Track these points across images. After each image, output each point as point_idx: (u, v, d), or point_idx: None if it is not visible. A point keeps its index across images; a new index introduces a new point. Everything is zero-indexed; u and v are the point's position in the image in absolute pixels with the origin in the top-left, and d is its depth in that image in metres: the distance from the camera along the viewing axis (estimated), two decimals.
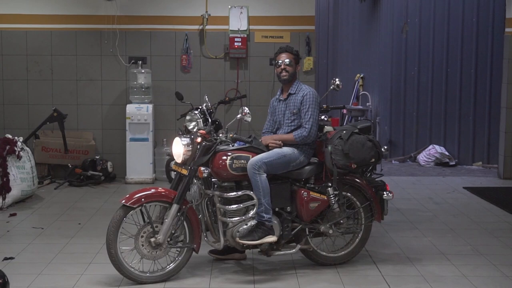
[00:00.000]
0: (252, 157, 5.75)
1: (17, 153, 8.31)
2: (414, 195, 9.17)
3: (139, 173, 9.89)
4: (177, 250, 5.76)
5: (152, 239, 5.58)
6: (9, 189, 8.15)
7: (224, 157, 5.71)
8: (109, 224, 5.58)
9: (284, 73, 6.08)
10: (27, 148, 8.69)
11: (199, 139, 5.74)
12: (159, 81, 10.15)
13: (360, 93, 12.89)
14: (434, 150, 11.79)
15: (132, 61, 10.17)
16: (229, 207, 5.71)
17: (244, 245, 5.78)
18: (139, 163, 9.86)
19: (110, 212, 7.79)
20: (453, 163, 11.76)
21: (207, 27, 10.17)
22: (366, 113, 12.19)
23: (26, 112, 10.25)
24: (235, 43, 10.11)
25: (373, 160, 6.01)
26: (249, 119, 6.09)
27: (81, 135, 10.27)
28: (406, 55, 12.22)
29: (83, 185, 9.65)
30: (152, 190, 5.72)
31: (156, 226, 5.60)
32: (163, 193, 5.68)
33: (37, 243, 6.76)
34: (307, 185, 5.99)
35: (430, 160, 11.74)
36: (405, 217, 7.90)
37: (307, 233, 5.97)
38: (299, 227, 5.93)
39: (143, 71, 9.97)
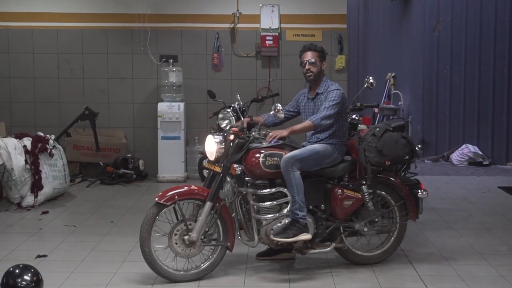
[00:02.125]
0: (285, 154, 5.71)
1: (49, 151, 8.36)
2: (448, 194, 9.07)
3: (171, 172, 9.90)
4: (211, 249, 5.73)
5: (186, 237, 5.56)
6: (41, 187, 8.20)
7: (257, 155, 5.67)
8: (142, 222, 5.57)
9: (309, 73, 6.02)
10: (59, 146, 8.75)
11: (231, 137, 5.73)
12: (190, 79, 10.15)
13: (392, 92, 12.85)
14: (468, 150, 11.73)
15: (163, 59, 10.21)
16: (263, 204, 5.67)
17: (278, 243, 5.73)
18: (171, 162, 9.89)
19: (142, 210, 7.87)
20: (487, 162, 11.69)
21: (238, 25, 10.19)
22: (398, 112, 12.17)
23: (58, 110, 10.34)
24: (267, 42, 10.12)
25: (407, 157, 5.96)
26: (282, 115, 6.02)
27: (113, 133, 10.34)
28: (438, 54, 12.18)
29: (114, 183, 9.71)
30: (185, 188, 5.72)
31: (190, 224, 5.57)
32: (196, 191, 5.66)
33: (70, 241, 6.78)
34: (341, 183, 5.94)
35: (463, 159, 11.67)
36: (440, 217, 7.81)
37: (342, 231, 5.93)
38: (333, 226, 5.88)
39: (174, 69, 10.00)
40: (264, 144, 5.79)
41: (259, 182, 5.77)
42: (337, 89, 5.91)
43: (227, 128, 7.32)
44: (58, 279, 5.61)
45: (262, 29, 10.12)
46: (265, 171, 5.68)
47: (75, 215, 7.91)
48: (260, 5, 10.11)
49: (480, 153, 11.72)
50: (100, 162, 9.91)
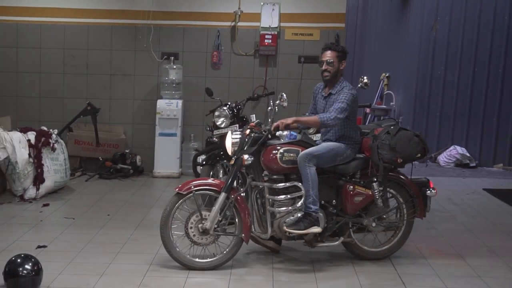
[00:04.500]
0: (302, 150, 5.88)
1: (51, 145, 8.44)
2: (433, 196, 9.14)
3: (166, 168, 9.98)
4: (230, 240, 5.93)
5: (200, 225, 5.80)
6: (42, 180, 8.29)
7: (275, 151, 5.87)
8: (163, 210, 5.85)
9: (325, 74, 6.08)
10: (61, 141, 8.78)
11: (247, 131, 5.96)
12: (189, 77, 10.20)
13: (385, 93, 12.72)
14: (455, 151, 11.73)
15: (165, 56, 10.24)
16: (277, 197, 5.87)
17: (290, 234, 5.90)
18: (166, 158, 9.96)
19: (138, 204, 8.12)
20: (474, 164, 11.68)
21: (239, 23, 10.19)
22: (389, 112, 12.01)
23: (61, 105, 10.40)
24: (265, 40, 10.09)
25: (419, 155, 6.08)
26: (285, 104, 6.23)
27: (113, 129, 10.39)
28: (434, 54, 12.09)
29: (112, 178, 9.77)
30: (204, 180, 6.03)
31: (206, 214, 5.81)
32: (213, 182, 5.92)
33: (69, 232, 6.93)
34: (353, 179, 6.09)
35: (450, 161, 11.68)
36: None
37: (350, 226, 6.10)
38: (343, 221, 6.04)
39: (174, 67, 10.05)
40: (282, 141, 6.00)
41: (275, 177, 5.96)
42: (350, 93, 5.96)
43: (223, 126, 7.57)
44: (57, 269, 5.76)
45: (262, 27, 10.07)
46: (282, 166, 5.87)
47: (74, 208, 8.01)
48: (262, 3, 10.07)
49: (468, 155, 11.71)
50: (100, 157, 9.96)
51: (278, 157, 5.85)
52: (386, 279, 5.82)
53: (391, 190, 6.19)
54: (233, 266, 6.01)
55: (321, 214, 5.92)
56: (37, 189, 8.29)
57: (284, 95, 6.27)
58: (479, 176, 10.90)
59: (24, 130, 8.48)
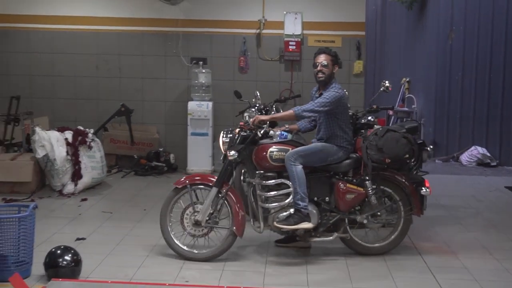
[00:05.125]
0: (292, 149, 5.82)
1: (88, 143, 8.46)
2: (457, 192, 8.99)
3: (199, 165, 9.93)
4: (227, 233, 5.85)
5: (193, 217, 5.79)
6: (80, 176, 8.29)
7: (265, 149, 5.84)
8: (162, 204, 5.88)
9: (320, 75, 6.00)
10: (97, 139, 8.83)
11: (237, 130, 5.94)
12: (218, 80, 10.18)
13: (406, 96, 12.74)
14: (476, 151, 11.58)
15: (194, 61, 10.23)
16: (267, 194, 5.81)
17: (282, 230, 5.84)
18: (199, 156, 9.93)
19: None
20: (494, 163, 11.52)
21: (264, 31, 10.19)
22: (411, 114, 12.04)
23: (96, 106, 10.43)
24: (290, 47, 10.13)
25: (407, 156, 5.89)
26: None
27: (146, 128, 10.41)
28: (451, 61, 12.01)
29: (147, 175, 9.76)
30: (198, 176, 6.04)
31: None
32: (206, 178, 5.95)
33: (106, 226, 6.88)
34: (345, 178, 5.97)
35: (472, 160, 11.53)
36: (449, 213, 7.78)
37: (347, 223, 5.96)
38: (337, 217, 5.92)
39: (203, 71, 10.03)
40: (274, 140, 5.93)
41: (268, 174, 5.88)
42: (335, 92, 5.89)
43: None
44: (95, 260, 5.69)
45: (285, 35, 10.11)
46: (272, 164, 5.83)
47: (111, 203, 8.00)
48: (284, 12, 10.10)
49: (488, 154, 11.55)
50: (135, 155, 9.98)
51: (268, 155, 5.82)
52: (416, 271, 5.65)
53: (386, 188, 6.05)
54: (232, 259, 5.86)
55: (313, 210, 5.84)
56: (76, 185, 8.30)
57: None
58: (500, 175, 10.73)
59: (61, 130, 8.52)
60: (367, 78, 11.55)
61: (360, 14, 10.29)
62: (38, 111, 9.84)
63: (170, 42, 10.31)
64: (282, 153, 5.80)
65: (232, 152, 5.75)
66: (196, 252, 5.83)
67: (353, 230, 6.03)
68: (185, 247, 5.84)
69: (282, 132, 6.05)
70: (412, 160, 6.03)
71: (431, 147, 7.82)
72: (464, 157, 11.67)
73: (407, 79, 12.81)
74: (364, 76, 10.59)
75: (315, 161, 5.87)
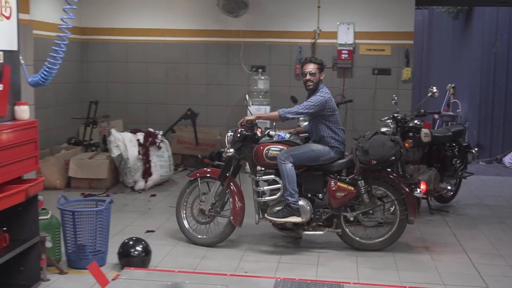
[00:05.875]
0: (287, 149, 5.85)
1: (157, 144, 8.51)
2: (501, 193, 8.74)
3: None
4: (226, 222, 6.00)
5: (199, 206, 6.03)
6: (150, 174, 8.37)
7: (262, 148, 5.88)
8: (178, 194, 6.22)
9: (309, 83, 5.97)
10: (166, 140, 8.87)
11: (239, 130, 6.00)
12: (276, 86, 10.13)
13: (451, 101, 12.54)
14: None
15: (254, 69, 10.23)
16: (258, 188, 5.93)
17: (272, 222, 5.93)
18: None
19: None
20: None
21: (318, 40, 10.11)
22: (456, 118, 11.85)
23: (165, 110, 10.53)
24: (342, 55, 10.02)
25: (393, 158, 5.73)
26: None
27: (210, 131, 10.43)
28: (495, 67, 11.76)
29: None
30: (210, 170, 6.23)
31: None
32: (215, 172, 6.10)
33: (173, 220, 6.69)
34: (339, 177, 5.91)
35: None
36: (493, 212, 7.57)
37: (342, 219, 5.90)
38: (330, 213, 5.88)
39: (262, 77, 10.02)
40: (273, 139, 5.99)
41: (267, 171, 5.98)
42: (321, 96, 5.86)
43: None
44: (163, 250, 5.77)
45: (338, 44, 10.01)
46: (267, 161, 5.89)
47: None
48: (338, 23, 10.01)
49: None
50: (199, 155, 9.92)
51: (264, 153, 5.87)
52: (462, 268, 5.52)
53: (381, 188, 5.93)
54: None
55: (306, 206, 5.80)
56: (146, 182, 8.38)
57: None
58: None
59: (134, 131, 8.61)
60: (414, 84, 11.40)
61: (409, 24, 10.09)
62: (114, 115, 10.01)
63: (233, 51, 10.33)
64: (277, 152, 5.82)
65: (230, 150, 5.88)
66: (199, 237, 6.03)
67: (353, 227, 5.97)
68: (192, 231, 6.07)
69: (280, 134, 6.06)
70: (397, 160, 5.87)
71: (476, 149, 7.65)
72: (507, 159, 11.37)
73: (452, 85, 12.65)
74: (412, 82, 10.43)
75: (305, 161, 5.86)
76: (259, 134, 6.01)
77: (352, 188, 5.80)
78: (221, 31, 10.34)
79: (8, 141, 4.25)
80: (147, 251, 5.34)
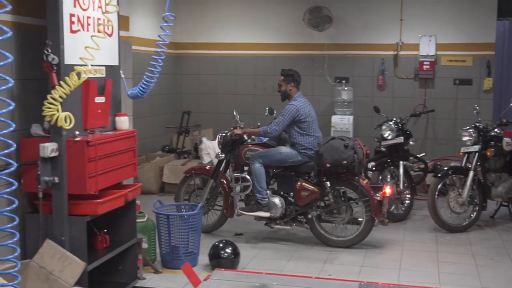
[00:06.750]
0: (259, 151, 6.21)
1: None
2: None
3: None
4: (220, 214, 6.50)
5: (195, 200, 6.44)
6: None
7: (242, 149, 6.32)
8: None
9: (279, 92, 6.52)
10: None
11: (229, 134, 6.40)
12: (359, 97, 10.00)
13: None
14: None
15: (337, 80, 10.13)
16: (233, 184, 6.24)
17: (244, 215, 6.27)
18: None
19: None
20: None
21: (400, 52, 9.90)
22: None
23: (253, 120, 10.49)
24: (424, 66, 9.76)
25: (345, 162, 5.82)
26: None
27: None
28: None
29: None
30: (202, 167, 6.86)
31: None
32: (207, 169, 6.61)
33: (260, 223, 6.76)
34: (307, 177, 6.15)
35: None
36: None
37: (313, 216, 6.06)
38: (300, 210, 6.10)
39: (346, 88, 9.93)
40: (254, 142, 6.46)
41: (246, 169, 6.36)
42: (291, 104, 6.19)
43: (389, 138, 7.32)
44: (251, 252, 5.83)
45: (420, 55, 9.77)
46: (244, 161, 6.27)
47: None
48: (420, 35, 9.78)
49: None
50: None
51: (242, 154, 6.26)
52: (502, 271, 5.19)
53: (346, 189, 6.11)
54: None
55: (277, 202, 6.03)
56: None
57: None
58: None
59: None
60: (495, 94, 10.96)
61: (491, 35, 9.72)
62: (205, 124, 10.17)
63: (317, 63, 10.25)
64: (252, 152, 6.17)
65: (221, 155, 6.39)
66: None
67: (324, 224, 6.16)
68: None
69: (260, 138, 6.44)
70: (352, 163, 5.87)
71: None
72: None
73: None
74: (493, 92, 10.03)
75: (274, 162, 6.14)
76: (245, 138, 6.42)
77: (316, 189, 5.94)
78: (306, 45, 10.29)
79: (110, 149, 4.37)
80: (236, 253, 5.38)
